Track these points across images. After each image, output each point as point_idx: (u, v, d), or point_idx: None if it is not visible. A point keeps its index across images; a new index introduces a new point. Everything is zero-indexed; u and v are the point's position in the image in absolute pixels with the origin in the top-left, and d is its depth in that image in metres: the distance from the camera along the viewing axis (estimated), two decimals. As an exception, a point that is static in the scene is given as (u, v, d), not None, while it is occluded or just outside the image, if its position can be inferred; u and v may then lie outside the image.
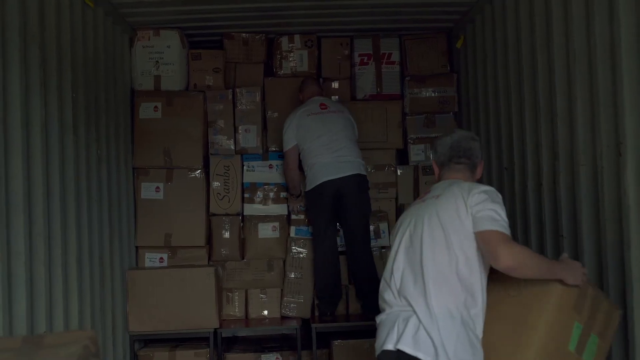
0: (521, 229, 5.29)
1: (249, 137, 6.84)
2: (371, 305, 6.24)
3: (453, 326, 3.24)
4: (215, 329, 6.22)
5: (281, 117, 6.90)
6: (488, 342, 3.31)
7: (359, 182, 6.26)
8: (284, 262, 6.68)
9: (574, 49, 4.25)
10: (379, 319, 3.53)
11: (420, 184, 6.79)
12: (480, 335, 3.31)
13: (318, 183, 6.17)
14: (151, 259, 6.55)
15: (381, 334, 3.45)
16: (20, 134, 4.12)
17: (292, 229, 6.70)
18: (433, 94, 7.03)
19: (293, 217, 6.74)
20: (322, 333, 6.31)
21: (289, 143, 6.36)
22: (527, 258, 3.25)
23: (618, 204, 3.79)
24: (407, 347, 3.26)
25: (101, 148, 5.63)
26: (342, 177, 6.16)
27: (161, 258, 6.56)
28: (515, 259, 3.19)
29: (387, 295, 3.48)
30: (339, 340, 6.17)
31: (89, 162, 5.30)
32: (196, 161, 6.64)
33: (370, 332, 6.05)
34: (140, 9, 6.15)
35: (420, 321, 3.28)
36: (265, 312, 6.62)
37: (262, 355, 6.28)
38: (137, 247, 6.58)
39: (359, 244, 6.33)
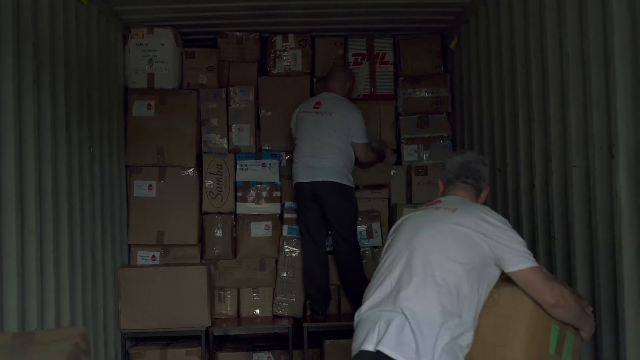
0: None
1: (242, 136, 6.83)
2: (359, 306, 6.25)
3: (441, 334, 3.18)
4: (207, 327, 6.22)
5: (274, 116, 6.91)
6: (470, 356, 3.30)
7: (335, 190, 6.20)
8: (277, 261, 6.68)
9: (568, 51, 4.26)
10: (358, 317, 3.44)
11: (413, 184, 6.79)
12: (466, 352, 3.28)
13: (295, 182, 6.31)
14: (143, 257, 6.55)
15: (360, 334, 3.36)
16: (13, 131, 4.11)
17: (285, 227, 6.70)
18: (427, 95, 7.04)
19: (286, 216, 6.74)
20: (313, 332, 6.32)
21: (292, 130, 6.53)
22: (571, 300, 3.35)
23: (610, 205, 3.80)
24: (388, 349, 3.18)
25: (94, 146, 5.62)
26: (316, 182, 6.18)
27: (153, 256, 6.56)
28: (563, 299, 3.29)
29: (376, 294, 3.40)
30: (330, 340, 6.18)
31: (81, 159, 5.29)
32: (189, 159, 6.63)
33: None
34: (134, 7, 6.14)
35: (409, 324, 3.20)
36: (257, 311, 6.62)
37: (254, 354, 6.28)
38: (129, 245, 6.57)
39: (342, 248, 6.35)
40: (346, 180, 6.25)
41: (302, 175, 6.21)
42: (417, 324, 3.18)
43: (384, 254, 3.57)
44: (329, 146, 6.22)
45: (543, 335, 3.31)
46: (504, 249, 3.31)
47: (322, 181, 6.18)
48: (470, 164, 3.75)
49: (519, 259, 3.29)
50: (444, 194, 3.77)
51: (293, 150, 6.44)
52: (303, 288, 6.56)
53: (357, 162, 6.41)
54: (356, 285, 5.99)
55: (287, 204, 6.78)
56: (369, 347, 3.24)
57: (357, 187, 6.55)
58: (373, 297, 3.40)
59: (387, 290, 3.36)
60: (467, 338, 3.27)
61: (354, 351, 3.35)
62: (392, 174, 6.91)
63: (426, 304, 3.23)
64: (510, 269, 3.30)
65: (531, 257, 3.31)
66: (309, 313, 6.55)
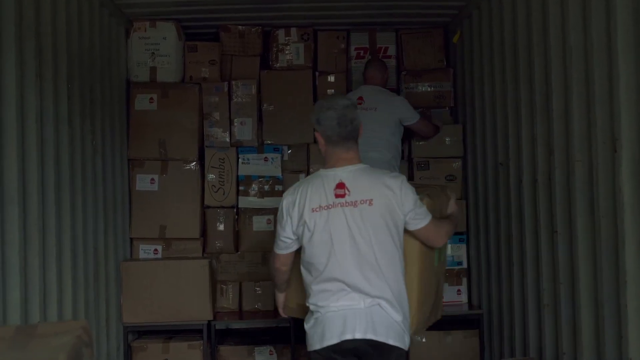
0: (516, 224, 5.30)
1: (245, 130, 6.83)
2: None
3: (408, 310, 3.63)
4: (209, 321, 6.22)
5: (277, 110, 6.91)
6: None
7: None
8: (279, 255, 6.66)
9: (571, 45, 4.25)
10: (319, 313, 3.60)
11: (415, 179, 6.78)
12: None
13: None
14: (145, 250, 6.56)
15: (335, 325, 3.52)
16: (15, 125, 4.11)
17: (287, 222, 6.68)
18: (429, 89, 7.03)
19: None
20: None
21: None
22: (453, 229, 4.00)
23: (613, 200, 3.80)
24: (375, 336, 3.47)
25: (96, 139, 5.62)
26: None
27: (155, 250, 6.56)
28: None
29: (336, 294, 3.56)
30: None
31: (84, 153, 5.29)
32: (191, 153, 6.63)
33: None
34: (137, 0, 6.13)
35: (385, 310, 3.51)
36: (259, 305, 6.62)
37: (256, 348, 6.29)
38: (131, 239, 6.58)
39: None
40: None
41: None
42: (392, 310, 3.58)
43: (323, 251, 3.72)
44: (374, 139, 6.04)
45: (430, 260, 4.00)
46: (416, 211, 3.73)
47: None
48: (347, 116, 3.66)
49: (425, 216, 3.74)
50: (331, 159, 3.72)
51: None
52: None
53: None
54: None
55: (289, 198, 6.76)
56: (358, 335, 3.50)
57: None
58: (333, 289, 3.62)
59: (350, 283, 3.61)
60: None
61: (334, 340, 3.53)
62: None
63: (396, 291, 3.66)
64: (417, 227, 3.72)
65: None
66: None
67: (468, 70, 6.52)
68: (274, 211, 6.60)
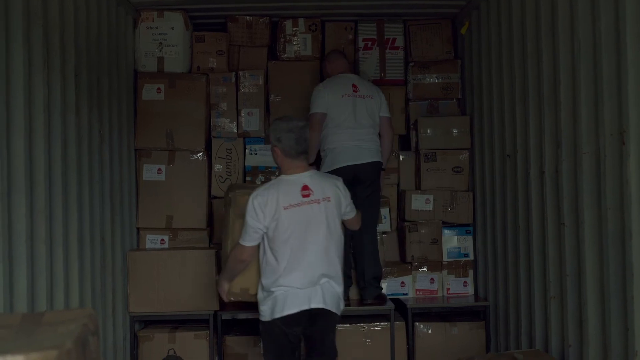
0: (523, 216, 5.30)
1: (252, 121, 6.83)
2: (373, 290, 6.24)
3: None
4: (215, 311, 6.23)
5: (284, 100, 6.91)
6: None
7: (376, 169, 6.28)
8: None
9: (579, 37, 4.24)
10: (279, 290, 4.42)
11: (422, 171, 6.77)
12: None
13: (337, 167, 6.06)
14: (152, 240, 6.57)
15: (293, 300, 4.39)
16: (23, 113, 4.12)
17: (294, 212, 6.68)
18: (437, 80, 7.02)
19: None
20: (321, 317, 6.33)
21: (318, 108, 6.17)
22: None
23: (620, 192, 3.79)
24: (325, 305, 4.45)
25: (103, 129, 5.63)
26: (362, 164, 6.14)
27: (162, 240, 6.57)
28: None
29: (301, 275, 4.40)
30: (337, 325, 6.16)
31: (91, 142, 5.30)
32: (198, 143, 6.64)
33: (367, 317, 6.17)
34: (145, -10, 6.15)
35: (333, 285, 4.49)
36: (265, 296, 6.63)
37: (261, 339, 6.28)
38: (138, 229, 6.59)
39: (368, 232, 6.33)
40: (381, 158, 6.34)
41: (351, 158, 6.10)
42: (337, 286, 4.57)
43: (287, 244, 4.49)
44: (369, 128, 6.24)
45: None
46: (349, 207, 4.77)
47: (370, 162, 6.19)
48: (299, 134, 4.50)
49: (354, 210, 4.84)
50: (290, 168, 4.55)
51: (324, 136, 6.22)
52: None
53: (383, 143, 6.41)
54: (375, 269, 6.33)
55: (296, 188, 6.75)
56: (314, 305, 4.42)
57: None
58: (294, 275, 4.44)
59: (306, 268, 4.45)
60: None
61: (293, 310, 4.40)
62: (401, 159, 6.90)
63: (340, 271, 4.64)
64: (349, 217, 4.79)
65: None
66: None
67: (476, 62, 6.50)
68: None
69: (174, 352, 6.06)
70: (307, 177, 4.50)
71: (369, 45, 7.05)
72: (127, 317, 6.19)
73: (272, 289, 4.44)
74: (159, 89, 6.58)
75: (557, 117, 4.60)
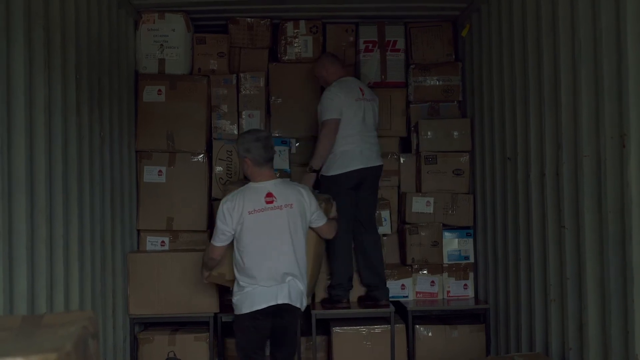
0: (523, 219, 5.29)
1: (253, 122, 6.83)
2: (378, 291, 6.24)
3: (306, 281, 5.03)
4: (216, 313, 6.24)
5: (285, 102, 6.92)
6: None
7: (380, 171, 6.39)
8: (286, 248, 6.67)
9: (580, 40, 4.24)
10: (249, 287, 4.83)
11: (423, 173, 6.77)
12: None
13: (350, 169, 6.13)
14: (152, 242, 6.57)
15: (261, 296, 4.80)
16: (24, 114, 4.12)
17: (294, 214, 6.67)
18: (437, 83, 7.02)
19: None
20: (321, 320, 6.33)
21: (334, 113, 6.11)
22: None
23: (621, 195, 3.79)
24: (290, 301, 4.84)
25: (104, 130, 5.63)
26: (371, 167, 6.23)
27: (162, 242, 6.58)
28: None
29: (267, 274, 4.81)
30: (338, 327, 6.18)
31: (92, 143, 5.30)
32: (199, 145, 6.64)
33: (367, 319, 6.15)
34: (145, -8, 6.15)
35: (297, 284, 4.88)
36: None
37: (262, 341, 6.29)
38: (138, 231, 6.59)
39: (372, 232, 6.37)
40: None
41: (361, 162, 6.17)
42: (300, 283, 4.95)
43: (252, 245, 4.89)
44: (374, 131, 6.37)
45: (322, 247, 5.55)
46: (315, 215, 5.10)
47: (378, 165, 6.33)
48: (265, 143, 4.94)
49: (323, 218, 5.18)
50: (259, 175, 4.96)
51: (337, 139, 6.14)
52: (334, 275, 6.39)
53: None
54: (379, 269, 6.38)
55: (296, 191, 6.74)
56: (280, 301, 4.83)
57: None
58: (259, 273, 4.85)
59: (272, 267, 4.87)
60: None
61: (260, 306, 4.81)
62: (402, 161, 6.90)
63: (303, 270, 5.03)
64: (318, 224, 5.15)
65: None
66: (317, 300, 6.52)
67: (477, 64, 6.50)
68: (281, 204, 6.66)
69: (174, 355, 6.06)
70: (272, 184, 4.92)
71: (370, 48, 7.05)
72: (127, 319, 6.18)
73: (242, 285, 4.88)
74: (159, 90, 6.58)
75: (558, 120, 4.60)
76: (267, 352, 5.15)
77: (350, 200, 6.17)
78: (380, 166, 6.36)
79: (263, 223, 4.82)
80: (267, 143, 4.94)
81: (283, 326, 4.95)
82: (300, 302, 4.95)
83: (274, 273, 4.82)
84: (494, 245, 6.12)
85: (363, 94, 6.28)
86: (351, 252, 6.36)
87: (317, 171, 6.18)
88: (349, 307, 6.36)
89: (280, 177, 6.66)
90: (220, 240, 4.93)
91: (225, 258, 5.09)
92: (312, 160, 6.16)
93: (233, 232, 4.87)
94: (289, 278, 4.86)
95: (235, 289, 4.97)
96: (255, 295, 4.83)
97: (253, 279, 4.83)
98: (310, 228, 5.13)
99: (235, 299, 4.94)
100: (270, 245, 4.83)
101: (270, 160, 4.96)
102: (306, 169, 6.21)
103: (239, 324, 4.97)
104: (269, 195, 4.86)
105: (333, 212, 5.44)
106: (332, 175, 6.15)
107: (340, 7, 6.80)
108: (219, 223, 4.89)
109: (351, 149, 6.14)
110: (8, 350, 1.59)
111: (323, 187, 6.22)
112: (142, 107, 6.59)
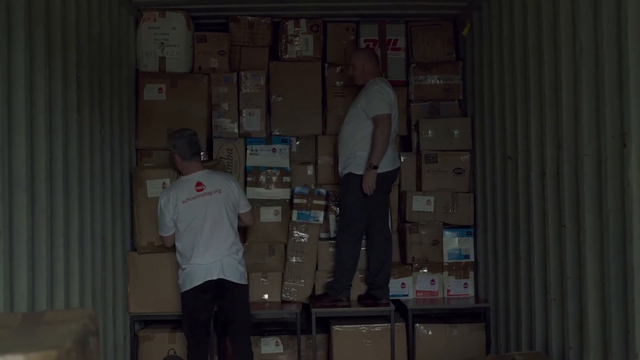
0: (523, 218, 5.29)
1: (253, 121, 6.83)
2: (380, 290, 6.24)
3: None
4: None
5: (285, 101, 6.92)
6: None
7: (398, 174, 6.49)
8: (286, 246, 6.67)
9: (581, 39, 4.23)
10: (188, 267, 5.41)
11: (423, 172, 6.77)
12: None
13: (391, 169, 6.20)
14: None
15: (198, 274, 5.35)
16: (24, 112, 4.12)
17: (295, 213, 6.67)
18: (438, 81, 7.02)
19: (296, 201, 6.70)
20: (321, 318, 6.33)
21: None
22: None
23: (621, 195, 3.79)
24: (225, 276, 5.36)
25: (105, 129, 5.63)
26: (395, 169, 6.35)
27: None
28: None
29: (201, 252, 5.35)
30: (338, 325, 6.19)
31: (92, 142, 5.31)
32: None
33: (367, 318, 6.14)
34: (146, -10, 6.15)
35: (231, 261, 5.40)
36: (266, 296, 6.62)
37: (262, 339, 6.30)
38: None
39: (383, 229, 6.38)
40: None
41: (392, 163, 6.24)
42: (235, 261, 5.49)
43: (192, 227, 5.45)
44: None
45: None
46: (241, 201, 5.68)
47: (399, 167, 6.44)
48: (192, 141, 5.55)
49: (247, 205, 5.76)
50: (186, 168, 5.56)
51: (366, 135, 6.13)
52: (340, 271, 6.36)
53: None
54: (387, 266, 6.39)
55: (297, 189, 6.75)
56: (214, 277, 5.36)
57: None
58: (200, 254, 5.40)
59: (209, 248, 5.41)
60: None
61: (199, 282, 5.37)
62: (402, 160, 6.89)
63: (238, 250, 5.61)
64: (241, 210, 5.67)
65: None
66: (326, 295, 6.50)
67: (477, 63, 6.50)
68: (282, 202, 6.67)
69: (174, 352, 6.06)
70: (200, 175, 5.50)
71: (371, 46, 7.04)
72: (128, 317, 6.19)
73: (184, 266, 5.47)
74: (160, 89, 6.58)
75: (559, 119, 4.60)
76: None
77: (378, 199, 6.21)
78: (399, 168, 6.47)
79: (197, 208, 5.39)
80: (191, 139, 5.53)
81: (227, 302, 5.51)
82: (238, 277, 5.46)
83: (211, 252, 5.37)
84: (494, 244, 6.12)
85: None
86: (358, 253, 6.35)
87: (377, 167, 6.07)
88: (349, 306, 6.34)
89: (281, 175, 6.72)
90: (165, 230, 5.57)
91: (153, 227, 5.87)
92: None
93: (172, 222, 5.48)
94: (224, 255, 5.39)
95: (180, 271, 5.55)
96: (193, 273, 5.38)
97: (192, 259, 5.38)
98: None
99: (179, 280, 5.54)
100: (205, 227, 5.38)
101: (195, 154, 5.55)
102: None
103: (184, 301, 5.52)
104: (199, 184, 5.44)
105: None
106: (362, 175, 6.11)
107: (341, 5, 6.79)
108: (159, 217, 5.54)
109: (390, 150, 6.17)
110: (8, 348, 1.59)
111: (352, 184, 6.17)
112: (143, 105, 6.59)
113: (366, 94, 6.12)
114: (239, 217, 5.67)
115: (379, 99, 6.06)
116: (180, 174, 5.74)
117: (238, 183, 5.75)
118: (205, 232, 5.39)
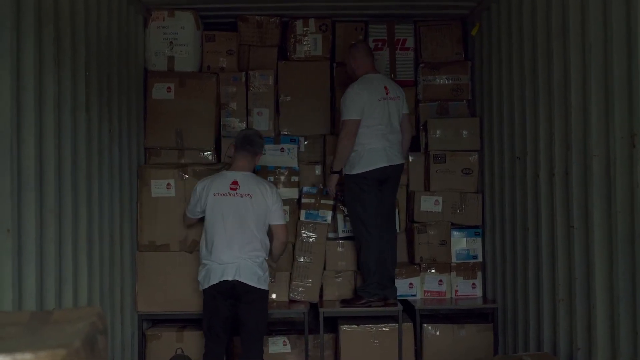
0: (532, 218, 5.28)
1: (261, 120, 6.83)
2: (386, 289, 6.22)
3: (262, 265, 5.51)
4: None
5: (294, 101, 6.92)
6: None
7: (401, 170, 6.41)
8: (294, 246, 6.67)
9: (590, 38, 4.22)
10: (208, 263, 5.41)
11: (431, 172, 6.76)
12: None
13: (374, 167, 6.14)
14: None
15: (215, 272, 5.35)
16: (33, 111, 4.13)
17: (303, 212, 6.67)
18: (447, 82, 7.01)
19: (304, 201, 6.70)
20: (329, 318, 6.33)
21: (354, 114, 6.10)
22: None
23: (630, 195, 3.78)
24: (237, 277, 5.32)
25: (113, 127, 5.64)
26: (394, 165, 6.24)
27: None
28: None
29: (219, 250, 5.35)
30: (345, 325, 6.18)
31: (101, 141, 5.32)
32: (208, 143, 6.65)
33: (375, 318, 6.12)
34: (155, -11, 6.15)
35: (248, 264, 5.35)
36: (274, 296, 6.60)
37: (269, 339, 6.30)
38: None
39: (391, 229, 6.39)
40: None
41: (385, 160, 6.18)
42: (253, 263, 5.43)
43: (217, 226, 5.48)
44: (398, 130, 6.35)
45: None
46: (273, 211, 5.59)
47: (400, 164, 6.35)
48: (249, 137, 5.62)
49: (279, 219, 5.65)
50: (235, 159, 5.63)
51: (361, 137, 6.15)
52: (368, 273, 6.30)
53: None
54: (394, 269, 6.38)
55: (305, 189, 6.75)
56: (229, 278, 5.33)
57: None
58: (219, 254, 5.40)
59: (230, 249, 5.40)
60: None
61: (213, 282, 5.37)
62: (410, 160, 6.88)
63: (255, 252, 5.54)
64: (272, 222, 5.59)
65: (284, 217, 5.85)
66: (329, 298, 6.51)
67: (486, 63, 6.49)
68: (290, 202, 6.66)
69: (182, 351, 6.05)
70: (240, 175, 5.52)
71: (380, 46, 7.05)
72: (135, 316, 6.20)
73: (204, 261, 5.49)
74: (169, 88, 6.58)
75: (568, 119, 4.59)
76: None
77: (375, 196, 6.19)
78: (402, 164, 6.39)
79: (224, 204, 5.42)
80: (248, 134, 5.68)
81: (243, 307, 5.43)
82: (256, 281, 5.39)
83: (229, 252, 5.36)
84: (502, 244, 6.11)
85: (387, 93, 6.25)
86: (378, 249, 6.29)
87: (339, 172, 6.22)
88: (382, 306, 6.29)
89: (289, 175, 6.71)
90: (191, 213, 5.74)
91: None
92: (333, 161, 6.21)
93: (202, 209, 5.56)
94: (242, 258, 5.36)
95: (200, 267, 5.56)
96: (211, 272, 5.39)
97: (212, 256, 5.40)
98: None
99: (199, 277, 5.53)
100: (227, 225, 5.39)
101: (245, 147, 5.56)
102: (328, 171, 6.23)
103: (204, 299, 5.53)
104: (234, 182, 5.47)
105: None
106: (355, 174, 6.16)
107: (350, 5, 6.79)
108: (191, 199, 5.65)
109: (375, 148, 6.15)
110: (17, 346, 1.59)
111: (346, 185, 6.25)
112: (151, 104, 6.59)
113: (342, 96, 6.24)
114: (270, 228, 5.60)
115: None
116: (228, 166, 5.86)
117: (278, 196, 5.65)
118: (227, 230, 5.38)
